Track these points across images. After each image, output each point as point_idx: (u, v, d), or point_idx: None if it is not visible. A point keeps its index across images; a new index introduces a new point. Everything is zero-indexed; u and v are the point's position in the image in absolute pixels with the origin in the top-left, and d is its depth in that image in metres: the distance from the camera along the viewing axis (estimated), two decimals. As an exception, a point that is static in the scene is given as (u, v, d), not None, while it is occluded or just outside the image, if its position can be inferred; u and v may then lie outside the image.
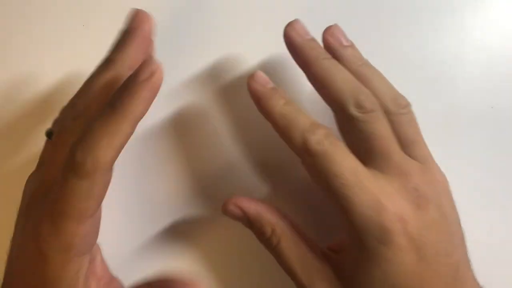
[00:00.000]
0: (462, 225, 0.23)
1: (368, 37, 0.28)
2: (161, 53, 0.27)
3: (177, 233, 0.27)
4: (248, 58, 0.28)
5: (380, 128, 0.21)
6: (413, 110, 0.27)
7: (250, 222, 0.23)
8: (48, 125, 0.27)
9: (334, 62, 0.23)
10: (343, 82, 0.22)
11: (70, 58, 0.27)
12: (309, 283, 0.22)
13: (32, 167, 0.27)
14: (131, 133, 0.19)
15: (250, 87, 0.22)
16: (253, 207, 0.23)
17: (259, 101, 0.22)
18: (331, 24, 0.27)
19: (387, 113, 0.22)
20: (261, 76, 0.23)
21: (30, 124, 0.27)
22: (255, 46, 0.28)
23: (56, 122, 0.22)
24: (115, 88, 0.20)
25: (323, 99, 0.23)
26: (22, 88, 0.27)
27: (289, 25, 0.23)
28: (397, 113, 0.23)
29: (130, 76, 0.19)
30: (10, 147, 0.27)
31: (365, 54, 0.28)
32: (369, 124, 0.21)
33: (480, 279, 0.22)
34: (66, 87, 0.27)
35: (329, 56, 0.23)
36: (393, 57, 0.28)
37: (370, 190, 0.20)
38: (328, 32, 0.24)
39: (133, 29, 0.22)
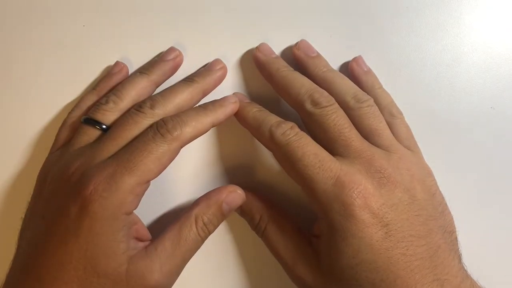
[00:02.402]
0: (462, 225, 0.23)
1: (367, 38, 0.28)
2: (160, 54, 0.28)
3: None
4: (244, 59, 0.28)
5: (337, 119, 0.24)
6: (412, 111, 0.27)
7: (241, 210, 0.26)
8: (49, 123, 0.27)
9: (291, 70, 0.26)
10: (300, 85, 0.25)
11: (70, 58, 0.27)
12: (293, 264, 0.24)
13: (33, 168, 0.27)
14: (208, 129, 0.24)
15: (228, 98, 0.26)
16: (246, 198, 0.25)
17: (237, 110, 0.26)
18: (331, 25, 0.28)
19: (349, 109, 0.25)
20: (238, 94, 0.27)
21: (30, 123, 0.27)
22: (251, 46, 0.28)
23: (95, 111, 0.24)
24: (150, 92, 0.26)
25: (287, 102, 0.26)
26: (22, 88, 0.27)
27: (257, 48, 0.27)
28: (357, 108, 0.25)
29: (223, 98, 0.25)
30: (10, 148, 0.27)
31: (365, 55, 0.28)
32: (326, 117, 0.24)
33: (481, 280, 0.22)
34: (66, 87, 0.27)
35: (288, 67, 0.26)
36: (393, 58, 0.28)
37: (331, 168, 0.22)
38: (295, 46, 0.27)
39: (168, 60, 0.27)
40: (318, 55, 0.27)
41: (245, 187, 0.25)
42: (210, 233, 0.24)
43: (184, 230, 0.23)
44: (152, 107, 0.24)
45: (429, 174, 0.24)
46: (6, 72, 0.27)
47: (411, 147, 0.25)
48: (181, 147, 0.23)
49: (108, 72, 0.27)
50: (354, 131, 0.24)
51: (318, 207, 0.23)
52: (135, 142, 0.22)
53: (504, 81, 0.28)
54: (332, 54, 0.27)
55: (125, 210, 0.21)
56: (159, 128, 0.22)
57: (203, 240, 0.24)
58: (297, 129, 0.24)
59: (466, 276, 0.22)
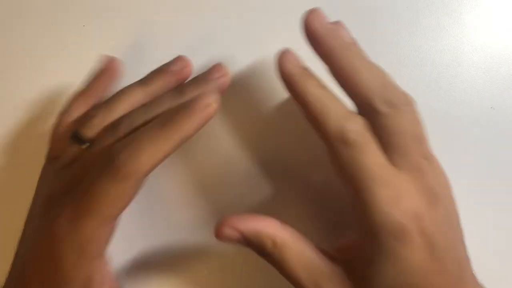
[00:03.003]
0: (462, 225, 0.23)
1: (367, 38, 0.28)
2: (160, 54, 0.28)
3: (174, 239, 0.27)
4: (246, 60, 0.28)
5: (404, 124, 0.21)
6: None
7: (247, 241, 0.21)
8: (48, 125, 0.27)
9: (362, 53, 0.22)
10: (370, 75, 0.21)
11: (70, 58, 0.27)
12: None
13: (33, 167, 0.27)
14: (174, 151, 0.20)
15: (281, 66, 0.21)
16: (250, 226, 0.21)
17: (290, 81, 0.21)
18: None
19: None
20: (292, 55, 0.22)
21: (30, 124, 0.27)
22: (253, 47, 0.28)
23: (83, 124, 0.22)
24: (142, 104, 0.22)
25: (345, 91, 0.22)
26: (22, 88, 0.27)
27: (311, 12, 0.21)
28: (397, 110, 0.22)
29: (188, 101, 0.20)
30: (10, 148, 0.27)
31: (365, 54, 0.28)
32: (395, 120, 0.21)
33: (481, 279, 0.22)
34: (66, 87, 0.27)
35: (356, 47, 0.22)
36: (393, 58, 0.28)
37: (393, 187, 0.20)
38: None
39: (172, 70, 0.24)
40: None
41: (255, 201, 0.24)
42: None
43: None
44: (130, 129, 0.21)
45: (448, 180, 0.23)
46: (6, 72, 0.27)
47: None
48: (142, 180, 0.20)
49: (95, 71, 0.25)
50: (414, 140, 0.21)
51: (367, 223, 0.20)
52: (87, 180, 0.20)
53: (504, 81, 0.28)
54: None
55: (92, 251, 0.20)
56: (109, 163, 0.19)
57: None
58: (367, 126, 0.20)
59: (477, 284, 0.22)
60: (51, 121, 0.27)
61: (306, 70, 0.21)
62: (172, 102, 0.22)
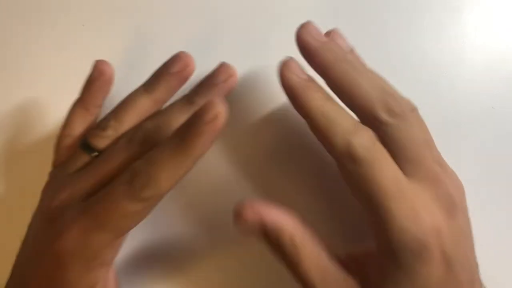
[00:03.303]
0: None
1: (367, 38, 0.28)
2: (160, 54, 0.28)
3: (176, 241, 0.27)
4: (247, 63, 0.28)
5: (412, 132, 0.20)
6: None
7: (265, 231, 0.20)
8: (48, 125, 0.27)
9: (359, 63, 0.21)
10: (369, 85, 0.20)
11: (70, 58, 0.27)
12: None
13: (34, 169, 0.27)
14: (192, 167, 0.19)
15: (284, 78, 0.20)
16: (273, 214, 0.20)
17: (294, 95, 0.20)
18: (330, 25, 0.28)
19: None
20: (295, 64, 0.21)
21: (30, 123, 0.27)
22: (255, 50, 0.28)
23: (93, 135, 0.23)
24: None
25: (346, 104, 0.21)
26: (22, 88, 0.27)
27: (302, 27, 0.21)
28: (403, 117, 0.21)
29: (196, 115, 0.19)
30: (10, 148, 0.27)
31: (365, 55, 0.28)
32: (401, 129, 0.20)
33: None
34: (66, 87, 0.27)
35: (351, 58, 0.21)
36: (393, 58, 0.28)
37: (410, 201, 0.19)
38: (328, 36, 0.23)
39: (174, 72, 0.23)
40: (352, 51, 0.23)
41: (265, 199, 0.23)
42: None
43: None
44: (144, 142, 0.21)
45: (462, 186, 0.22)
46: (6, 72, 0.27)
47: None
48: (158, 202, 0.20)
49: (88, 78, 0.24)
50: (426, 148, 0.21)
51: (385, 238, 0.19)
52: (106, 195, 0.20)
53: (504, 81, 0.28)
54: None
55: (100, 262, 0.20)
56: (129, 185, 0.19)
57: None
58: (377, 142, 0.20)
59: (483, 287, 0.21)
60: (50, 121, 0.27)
61: (309, 81, 0.21)
62: (182, 114, 0.22)
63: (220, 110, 0.18)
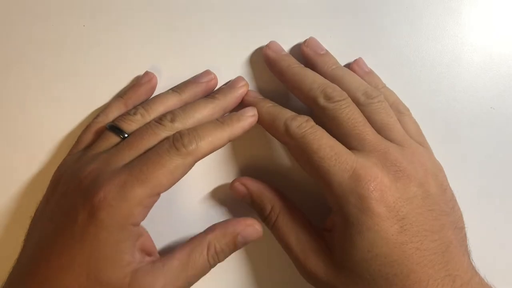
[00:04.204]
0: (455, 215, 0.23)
1: (367, 38, 0.28)
2: (161, 53, 0.28)
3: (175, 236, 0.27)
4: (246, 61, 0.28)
5: (351, 113, 0.24)
6: (412, 111, 0.27)
7: (252, 200, 0.26)
8: (49, 123, 0.27)
9: (302, 67, 0.26)
10: (312, 80, 0.25)
11: (70, 58, 0.27)
12: (304, 257, 0.24)
13: (38, 168, 0.27)
14: (224, 144, 0.24)
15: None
16: (256, 186, 0.26)
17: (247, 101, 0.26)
18: (330, 25, 0.28)
19: (360, 105, 0.25)
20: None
21: (30, 123, 0.27)
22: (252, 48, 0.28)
23: (122, 119, 0.25)
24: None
25: (299, 99, 0.26)
26: (22, 88, 0.27)
27: (267, 46, 0.27)
28: (367, 103, 0.25)
29: (241, 112, 0.25)
30: (10, 148, 0.27)
31: (365, 55, 0.28)
32: (340, 111, 0.24)
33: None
34: (66, 87, 0.27)
35: (299, 64, 0.26)
36: (393, 58, 0.28)
37: (347, 161, 0.22)
38: (304, 44, 0.27)
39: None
40: (327, 53, 0.27)
41: (255, 178, 0.26)
42: (219, 261, 0.24)
43: (195, 254, 0.23)
44: (172, 120, 0.24)
45: (441, 169, 0.25)
46: (6, 72, 0.27)
47: (422, 142, 0.25)
48: (196, 162, 0.23)
49: (137, 81, 0.27)
50: (368, 125, 0.24)
51: (333, 200, 0.22)
52: (150, 153, 0.22)
53: (504, 81, 0.28)
54: (332, 54, 0.27)
55: (132, 221, 0.21)
56: (174, 142, 0.22)
57: (211, 267, 0.23)
58: (312, 122, 0.24)
59: (475, 273, 0.22)
60: (50, 121, 0.27)
61: (259, 97, 0.27)
62: (206, 107, 0.25)
63: (255, 113, 0.25)
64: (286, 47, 0.28)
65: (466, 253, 0.23)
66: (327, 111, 0.24)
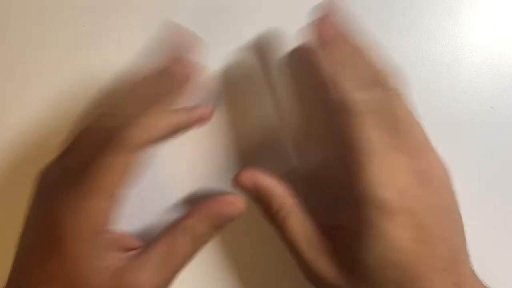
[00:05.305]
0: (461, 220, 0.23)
1: (367, 38, 0.28)
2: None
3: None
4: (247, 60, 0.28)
5: (401, 106, 0.22)
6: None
7: (258, 196, 0.23)
8: (49, 123, 0.27)
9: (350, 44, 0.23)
10: (360, 63, 0.23)
11: (70, 58, 0.27)
12: (314, 259, 0.22)
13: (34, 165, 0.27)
14: (167, 134, 0.22)
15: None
16: (266, 181, 0.23)
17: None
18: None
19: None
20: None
21: (29, 123, 0.27)
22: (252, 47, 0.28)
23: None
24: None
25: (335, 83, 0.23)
26: (22, 88, 0.27)
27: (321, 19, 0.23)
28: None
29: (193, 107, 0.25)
30: (9, 148, 0.27)
31: (365, 54, 0.28)
32: (392, 103, 0.22)
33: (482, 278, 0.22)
34: (65, 87, 0.27)
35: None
36: (393, 58, 0.28)
37: (386, 162, 0.21)
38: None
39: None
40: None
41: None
42: (204, 244, 0.23)
43: (178, 241, 0.22)
44: (117, 107, 0.23)
45: (449, 174, 0.24)
46: (6, 72, 0.27)
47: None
48: (140, 151, 0.21)
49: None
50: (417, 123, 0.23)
51: (355, 196, 0.21)
52: (87, 159, 0.21)
53: (504, 81, 0.28)
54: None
55: (97, 230, 0.21)
56: (106, 139, 0.21)
57: (197, 251, 0.23)
58: (379, 99, 0.22)
59: (480, 282, 0.22)
60: (50, 121, 0.27)
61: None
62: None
63: (208, 110, 0.25)
64: (285, 48, 0.28)
65: (469, 259, 0.22)
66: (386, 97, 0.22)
